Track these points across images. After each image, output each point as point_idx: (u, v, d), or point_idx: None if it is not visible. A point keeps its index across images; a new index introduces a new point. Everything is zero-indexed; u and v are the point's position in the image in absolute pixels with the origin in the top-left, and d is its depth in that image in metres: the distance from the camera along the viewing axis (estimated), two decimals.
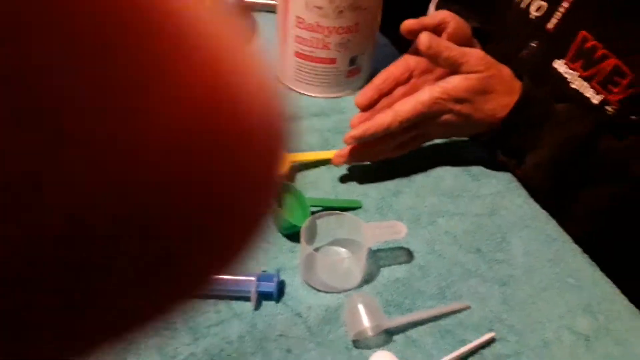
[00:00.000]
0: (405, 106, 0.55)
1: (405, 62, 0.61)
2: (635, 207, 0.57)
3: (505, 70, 0.57)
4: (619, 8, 0.55)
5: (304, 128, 0.65)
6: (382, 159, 0.59)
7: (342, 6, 0.61)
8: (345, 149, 0.57)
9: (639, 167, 0.56)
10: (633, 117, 0.56)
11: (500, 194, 0.59)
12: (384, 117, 0.55)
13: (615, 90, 0.55)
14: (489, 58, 0.57)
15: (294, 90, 0.70)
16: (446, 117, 0.56)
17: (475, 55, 0.56)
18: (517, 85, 0.57)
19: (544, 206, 0.58)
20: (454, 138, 0.63)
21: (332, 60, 0.66)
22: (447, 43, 0.56)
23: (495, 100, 0.56)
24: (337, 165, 0.58)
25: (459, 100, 0.55)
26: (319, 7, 0.61)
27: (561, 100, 0.58)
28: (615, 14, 0.55)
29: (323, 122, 0.66)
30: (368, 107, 0.59)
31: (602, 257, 0.55)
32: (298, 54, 0.67)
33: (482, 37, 0.67)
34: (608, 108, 0.56)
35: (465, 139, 0.64)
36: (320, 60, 0.66)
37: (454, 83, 0.55)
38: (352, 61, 0.67)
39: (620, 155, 0.57)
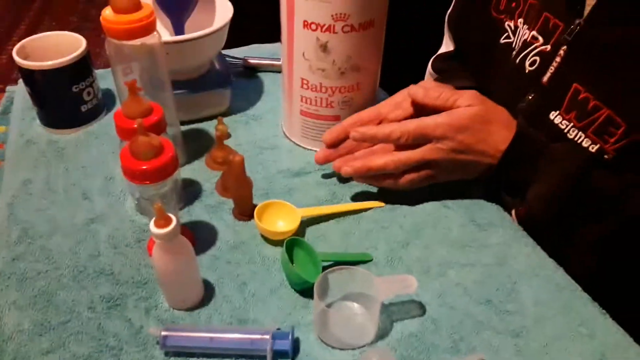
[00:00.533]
0: (410, 125, 0.59)
1: (377, 109, 0.65)
2: (632, 245, 0.58)
3: (501, 107, 0.61)
4: (609, 61, 0.57)
5: (312, 183, 0.67)
6: (390, 187, 0.63)
7: (344, 68, 0.64)
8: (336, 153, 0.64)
9: (633, 206, 0.57)
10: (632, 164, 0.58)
11: (507, 243, 0.60)
12: (389, 127, 0.60)
13: (611, 140, 0.57)
14: (482, 95, 0.61)
15: (301, 147, 0.72)
16: (450, 144, 0.59)
17: (468, 92, 0.60)
18: (514, 122, 0.61)
19: (547, 242, 0.60)
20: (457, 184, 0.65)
21: (336, 118, 0.69)
22: (438, 89, 0.61)
23: (496, 132, 0.59)
24: (318, 163, 0.66)
25: (461, 129, 0.58)
26: (322, 70, 0.64)
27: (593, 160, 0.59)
28: (605, 67, 0.58)
29: (330, 175, 0.68)
30: (333, 145, 0.65)
31: (605, 293, 0.55)
32: (304, 113, 0.69)
33: None
34: (606, 156, 0.58)
35: (466, 184, 0.65)
36: (325, 117, 0.69)
37: (457, 112, 0.59)
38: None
39: (615, 193, 0.58)
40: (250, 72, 0.87)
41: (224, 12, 0.74)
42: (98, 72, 0.78)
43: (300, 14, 0.61)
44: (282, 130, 0.76)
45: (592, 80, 0.58)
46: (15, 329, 0.50)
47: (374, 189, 0.66)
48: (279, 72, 0.83)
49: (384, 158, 0.60)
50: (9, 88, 0.82)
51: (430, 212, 0.63)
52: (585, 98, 0.58)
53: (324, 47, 0.62)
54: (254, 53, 0.90)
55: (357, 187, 0.66)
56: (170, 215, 0.47)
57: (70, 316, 0.51)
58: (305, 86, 0.67)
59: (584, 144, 0.59)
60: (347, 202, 0.64)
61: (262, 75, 0.87)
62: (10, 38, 2.49)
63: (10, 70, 2.26)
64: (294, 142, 0.73)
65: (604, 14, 0.57)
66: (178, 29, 0.73)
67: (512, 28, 0.71)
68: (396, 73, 0.81)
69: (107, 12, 0.56)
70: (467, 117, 0.58)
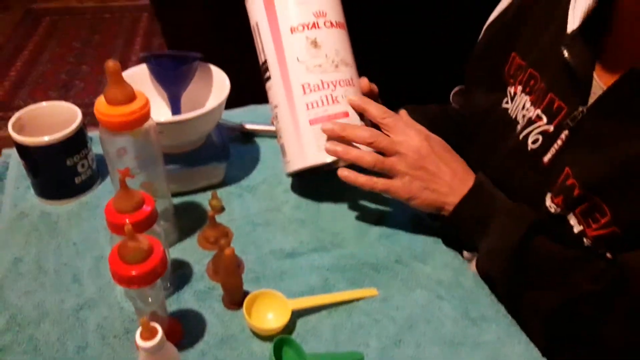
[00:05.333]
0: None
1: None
2: (578, 314, 0.58)
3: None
4: (606, 152, 0.57)
5: (304, 266, 0.66)
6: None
7: (337, 61, 0.67)
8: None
9: (579, 276, 0.57)
10: (608, 254, 0.58)
11: (501, 340, 0.59)
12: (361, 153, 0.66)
13: (594, 225, 0.57)
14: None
15: (319, 165, 0.68)
16: (413, 155, 0.66)
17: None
18: (471, 171, 0.67)
19: (503, 300, 0.62)
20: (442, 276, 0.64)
21: (346, 114, 0.67)
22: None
23: (454, 162, 0.67)
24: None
25: (427, 139, 0.67)
26: (319, 65, 0.66)
27: (545, 225, 0.60)
28: (601, 157, 0.57)
29: (322, 258, 0.67)
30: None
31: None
32: (313, 120, 0.67)
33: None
34: (585, 240, 0.58)
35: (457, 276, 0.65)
36: (335, 116, 0.67)
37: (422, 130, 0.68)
38: (362, 115, 0.69)
39: (561, 264, 0.59)
40: (247, 137, 0.87)
41: (220, 84, 0.74)
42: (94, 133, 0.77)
43: (286, 22, 0.66)
44: (286, 173, 0.72)
45: (583, 167, 0.58)
46: None
47: (368, 274, 0.65)
48: (276, 137, 0.83)
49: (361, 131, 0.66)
50: (4, 151, 0.82)
51: (424, 304, 0.62)
52: (571, 184, 0.58)
53: (315, 43, 0.66)
54: (250, 115, 0.89)
55: (350, 272, 0.65)
56: (156, 325, 0.46)
57: None
58: (307, 90, 0.66)
59: (571, 222, 0.59)
60: (339, 290, 0.63)
61: (258, 140, 0.87)
62: (14, 63, 2.51)
63: (12, 96, 2.27)
64: (311, 165, 0.68)
65: (608, 106, 0.57)
66: (174, 102, 0.73)
67: (512, 94, 0.71)
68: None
69: (101, 103, 0.56)
70: (430, 136, 0.67)
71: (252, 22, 0.70)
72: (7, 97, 2.29)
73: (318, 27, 0.66)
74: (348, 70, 0.68)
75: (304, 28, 0.66)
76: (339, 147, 0.65)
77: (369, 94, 0.71)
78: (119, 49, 2.64)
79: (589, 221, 0.57)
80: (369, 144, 0.65)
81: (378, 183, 0.65)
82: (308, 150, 0.68)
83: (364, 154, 0.65)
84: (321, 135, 0.67)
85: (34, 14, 2.95)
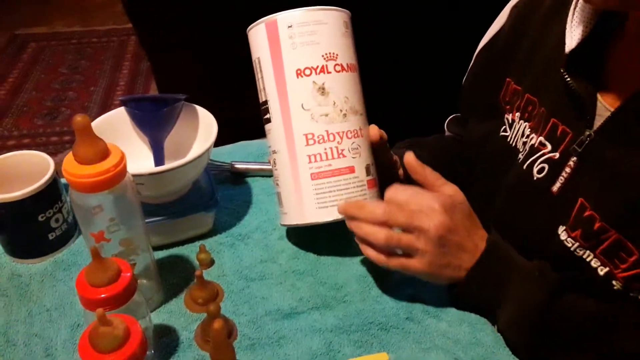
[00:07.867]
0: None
1: None
2: None
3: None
4: (618, 179, 0.51)
5: (304, 328, 0.59)
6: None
7: (345, 109, 0.61)
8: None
9: (620, 342, 0.52)
10: (632, 294, 0.53)
11: None
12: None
13: (622, 266, 0.52)
14: None
15: (319, 223, 0.62)
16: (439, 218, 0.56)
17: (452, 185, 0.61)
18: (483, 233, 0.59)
19: None
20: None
21: (351, 169, 0.61)
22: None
23: (476, 226, 0.59)
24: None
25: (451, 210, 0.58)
26: (325, 115, 0.60)
27: (566, 268, 0.55)
28: (613, 186, 0.52)
29: (325, 317, 0.60)
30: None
31: None
32: (315, 175, 0.61)
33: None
34: (614, 282, 0.53)
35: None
36: (340, 171, 0.61)
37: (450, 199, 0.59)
38: (367, 171, 0.63)
39: (595, 324, 0.54)
40: (237, 177, 0.80)
41: (207, 127, 0.68)
42: None
43: (291, 64, 0.60)
44: (281, 224, 0.67)
45: (599, 198, 0.53)
46: None
47: (376, 335, 0.58)
48: (269, 176, 0.77)
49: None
50: None
51: None
52: (590, 216, 0.53)
53: (322, 90, 0.60)
54: (240, 153, 0.84)
55: (356, 333, 0.59)
56: None
57: None
58: (311, 141, 0.60)
59: (593, 265, 0.54)
60: (345, 355, 0.56)
61: (250, 180, 0.80)
62: None
63: None
64: (310, 223, 0.62)
65: (616, 129, 0.52)
66: (157, 149, 0.67)
67: (509, 121, 0.67)
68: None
69: (69, 162, 0.49)
70: (454, 204, 0.58)
71: (254, 56, 0.63)
72: None
73: (327, 71, 0.60)
74: (357, 120, 0.62)
75: (311, 72, 0.59)
76: (353, 225, 0.59)
77: (378, 143, 0.64)
78: (106, 73, 2.59)
79: (615, 262, 0.52)
80: (382, 224, 0.56)
81: (392, 261, 0.57)
82: (307, 206, 0.62)
83: (376, 231, 0.56)
84: (322, 192, 0.61)
85: (20, 40, 2.90)
